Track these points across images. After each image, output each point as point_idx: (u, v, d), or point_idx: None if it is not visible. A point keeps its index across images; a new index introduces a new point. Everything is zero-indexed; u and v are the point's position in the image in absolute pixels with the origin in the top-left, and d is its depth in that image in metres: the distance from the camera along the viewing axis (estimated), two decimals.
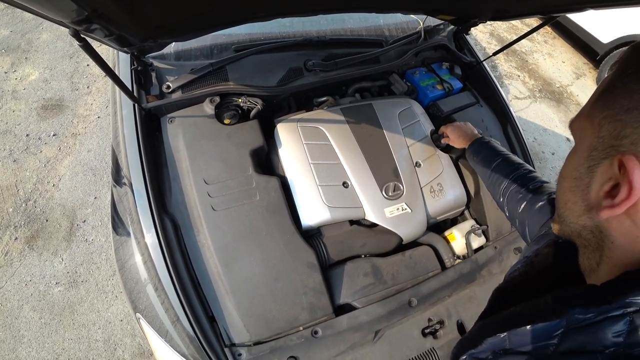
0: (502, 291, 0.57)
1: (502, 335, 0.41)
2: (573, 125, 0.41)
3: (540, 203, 0.79)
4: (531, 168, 0.93)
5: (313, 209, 1.14)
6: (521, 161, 0.98)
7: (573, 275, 0.44)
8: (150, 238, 1.01)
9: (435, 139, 1.33)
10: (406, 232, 1.19)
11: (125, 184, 1.11)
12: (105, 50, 1.37)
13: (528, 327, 0.38)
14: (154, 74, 1.27)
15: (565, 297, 0.38)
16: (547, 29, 4.44)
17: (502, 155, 1.00)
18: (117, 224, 1.13)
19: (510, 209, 0.89)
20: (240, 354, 0.95)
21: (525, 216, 0.82)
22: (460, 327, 1.11)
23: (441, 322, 1.09)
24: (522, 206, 0.83)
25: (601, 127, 0.35)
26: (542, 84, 3.68)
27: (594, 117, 0.36)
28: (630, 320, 0.31)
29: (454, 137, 1.20)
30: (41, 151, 2.33)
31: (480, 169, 1.06)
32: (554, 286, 0.49)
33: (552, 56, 4.10)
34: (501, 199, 0.93)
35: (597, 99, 0.37)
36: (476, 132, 1.18)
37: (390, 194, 1.20)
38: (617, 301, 0.32)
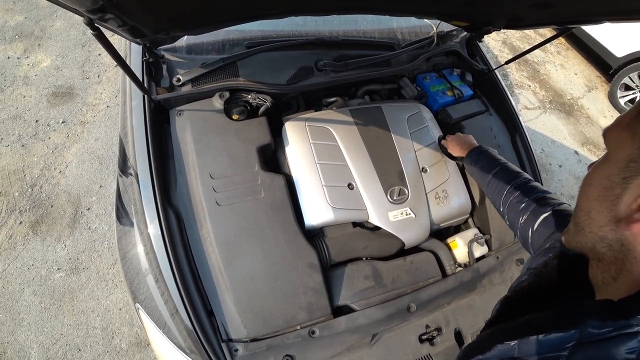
0: (510, 301, 0.56)
1: (512, 343, 0.40)
2: (608, 133, 0.40)
3: (544, 215, 0.78)
4: (530, 177, 0.93)
5: (317, 209, 1.14)
6: (520, 170, 0.97)
7: (582, 288, 0.44)
8: (153, 229, 1.02)
9: (443, 146, 1.32)
10: (409, 237, 1.19)
11: (131, 174, 1.12)
12: (118, 41, 1.38)
13: (539, 336, 0.37)
14: (164, 67, 1.28)
15: (580, 309, 0.37)
16: (561, 40, 4.40)
17: (500, 163, 1.00)
18: (121, 213, 1.14)
19: (511, 218, 0.88)
20: (236, 350, 0.96)
21: (528, 227, 0.81)
22: (458, 335, 1.10)
23: (439, 329, 1.09)
24: (525, 217, 0.82)
25: None
26: (553, 95, 3.65)
27: (636, 128, 0.36)
28: None
29: (452, 146, 1.21)
30: (49, 137, 2.35)
31: (479, 178, 1.05)
32: (563, 298, 0.48)
33: (564, 68, 4.06)
34: (501, 208, 0.93)
35: None
36: (475, 142, 1.18)
37: (395, 198, 1.19)
38: (634, 317, 0.32)
